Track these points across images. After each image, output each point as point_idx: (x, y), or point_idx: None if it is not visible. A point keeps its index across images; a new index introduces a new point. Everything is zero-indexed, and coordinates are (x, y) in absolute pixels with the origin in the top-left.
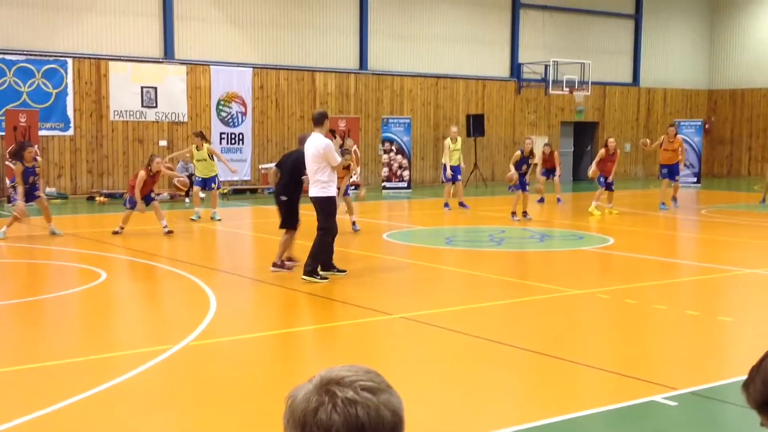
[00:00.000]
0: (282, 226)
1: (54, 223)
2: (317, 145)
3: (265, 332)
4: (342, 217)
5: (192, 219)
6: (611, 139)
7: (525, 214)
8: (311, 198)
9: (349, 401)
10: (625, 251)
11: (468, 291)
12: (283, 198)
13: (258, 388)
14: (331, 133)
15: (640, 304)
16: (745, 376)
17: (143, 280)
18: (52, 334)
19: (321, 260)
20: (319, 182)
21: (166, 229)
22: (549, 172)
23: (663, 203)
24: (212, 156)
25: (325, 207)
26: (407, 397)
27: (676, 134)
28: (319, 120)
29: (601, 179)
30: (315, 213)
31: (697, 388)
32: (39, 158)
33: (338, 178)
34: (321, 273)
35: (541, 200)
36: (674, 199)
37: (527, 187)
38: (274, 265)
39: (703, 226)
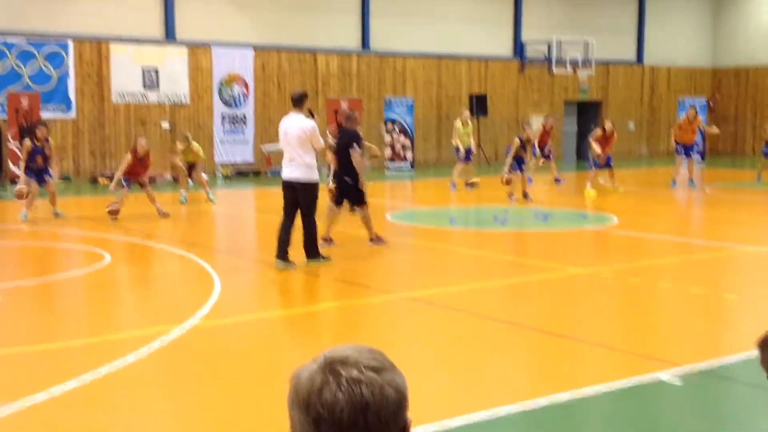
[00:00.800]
0: (356, 204)
1: (58, 205)
2: (303, 127)
3: (269, 313)
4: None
5: (181, 202)
6: (608, 122)
7: (525, 195)
8: (295, 182)
9: (353, 380)
10: (629, 230)
11: (472, 271)
12: (349, 180)
13: (262, 368)
14: (310, 113)
15: (645, 282)
16: (748, 353)
17: (147, 261)
18: (57, 316)
19: (284, 246)
20: (305, 165)
21: (161, 212)
22: (543, 149)
23: (675, 180)
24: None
25: (314, 194)
26: (411, 376)
27: (696, 115)
28: (299, 101)
29: (596, 161)
30: (289, 197)
31: (702, 366)
32: (50, 140)
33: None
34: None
35: (558, 180)
36: (691, 180)
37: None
38: (371, 240)
39: (708, 203)
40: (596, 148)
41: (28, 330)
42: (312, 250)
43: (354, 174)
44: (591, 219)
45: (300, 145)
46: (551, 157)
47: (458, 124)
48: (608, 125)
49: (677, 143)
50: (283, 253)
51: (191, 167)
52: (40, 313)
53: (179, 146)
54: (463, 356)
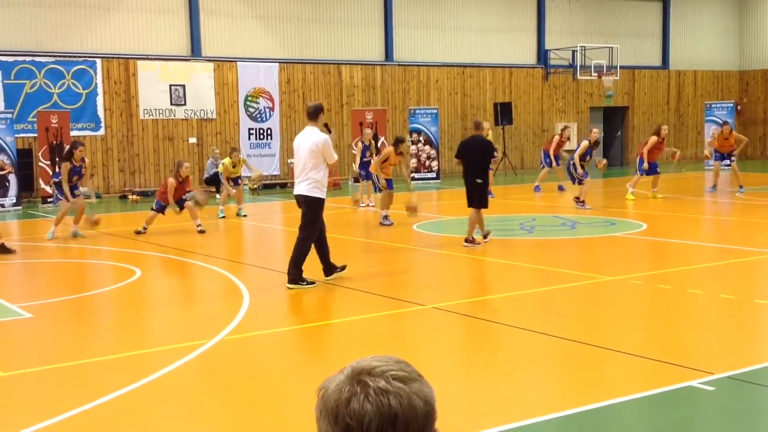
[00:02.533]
0: (471, 206)
1: (81, 224)
2: (315, 141)
3: (297, 325)
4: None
5: (223, 216)
6: (664, 126)
7: (582, 202)
8: (301, 196)
9: (381, 391)
10: (658, 236)
11: (500, 280)
12: (479, 181)
13: (291, 380)
14: (326, 128)
15: (675, 289)
16: None
17: (176, 276)
18: (90, 332)
19: (326, 261)
20: (312, 180)
21: (200, 228)
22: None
23: (714, 186)
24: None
25: (315, 208)
26: (440, 387)
27: (731, 132)
28: (314, 114)
29: (643, 166)
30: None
31: (734, 373)
32: (86, 159)
33: (384, 169)
34: (306, 278)
35: (561, 188)
36: (714, 186)
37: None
38: (467, 241)
39: (737, 208)
40: (645, 154)
41: (61, 346)
42: (295, 273)
43: (486, 176)
44: (619, 226)
45: (310, 159)
46: (559, 164)
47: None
48: (664, 130)
49: (716, 151)
50: (329, 270)
51: (235, 181)
52: (72, 330)
53: (227, 160)
54: (491, 366)
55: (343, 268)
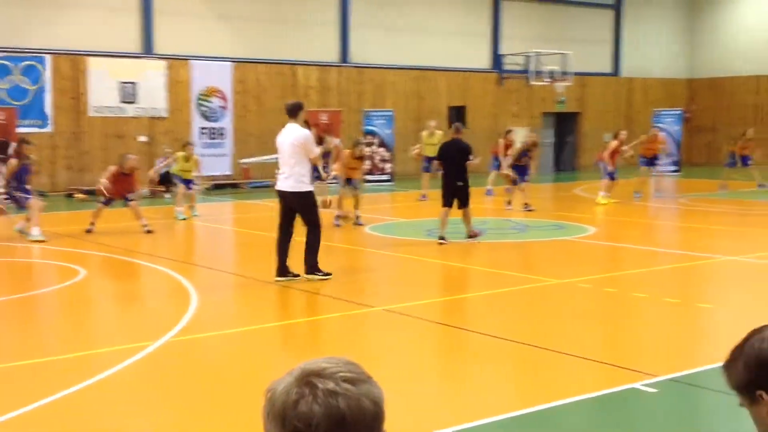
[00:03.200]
0: (446, 205)
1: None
2: (296, 136)
3: (246, 327)
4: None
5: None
6: (623, 132)
7: (525, 206)
8: (286, 192)
9: (329, 392)
10: (605, 240)
11: (450, 282)
12: (460, 183)
13: (238, 382)
14: (306, 124)
15: (621, 292)
16: (723, 362)
17: (123, 276)
18: (31, 333)
19: (283, 263)
20: (298, 175)
21: (146, 228)
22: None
23: (637, 192)
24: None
25: (307, 201)
26: (389, 389)
27: (657, 135)
28: (293, 111)
29: (608, 170)
30: (283, 207)
31: (677, 375)
32: (32, 157)
33: (351, 169)
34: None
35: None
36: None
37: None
38: (469, 236)
39: (682, 214)
40: (608, 159)
41: (3, 347)
42: (312, 265)
43: (466, 178)
44: (568, 230)
45: (293, 155)
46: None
47: (424, 134)
48: (623, 135)
49: (642, 156)
50: (282, 271)
51: (188, 182)
52: (14, 330)
53: (179, 154)
54: (440, 368)
55: (296, 275)
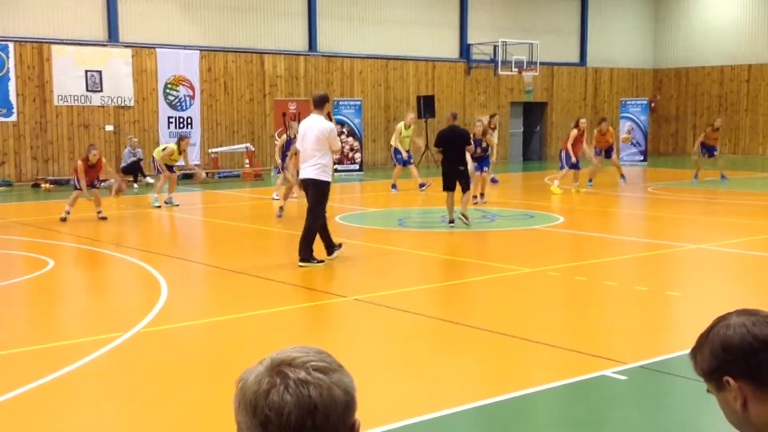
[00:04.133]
0: (448, 189)
1: None
2: (322, 129)
3: (216, 317)
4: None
5: (158, 206)
6: (583, 120)
7: (481, 196)
8: (308, 180)
9: (301, 382)
10: (574, 229)
11: (421, 272)
12: (462, 168)
13: (209, 373)
14: (328, 116)
15: (590, 280)
16: (691, 349)
17: (92, 267)
18: (0, 324)
19: (311, 245)
20: (320, 165)
21: (101, 215)
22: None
23: (591, 180)
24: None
25: (323, 191)
26: (361, 378)
27: (608, 128)
28: (320, 102)
29: (570, 161)
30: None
31: (646, 362)
32: None
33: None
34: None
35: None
36: (622, 176)
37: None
38: (451, 222)
39: (650, 203)
40: (571, 150)
41: None
42: (306, 252)
43: (466, 163)
44: (537, 219)
45: (316, 146)
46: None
47: (401, 126)
48: (583, 123)
49: (596, 148)
50: (330, 248)
51: (170, 168)
52: None
53: (172, 146)
54: (411, 357)
55: (340, 245)
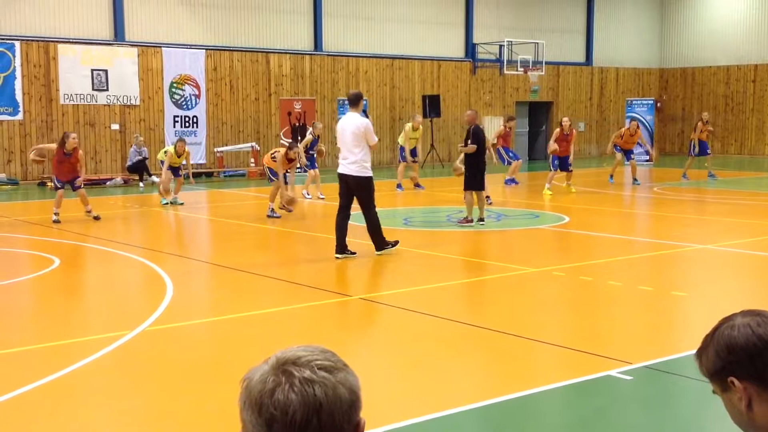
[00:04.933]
0: (471, 188)
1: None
2: (358, 125)
3: (221, 316)
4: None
5: (166, 203)
6: (565, 119)
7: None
8: (348, 176)
9: (306, 380)
10: (580, 229)
11: (426, 271)
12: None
13: (215, 371)
14: (365, 113)
15: (596, 280)
16: (696, 350)
17: (97, 265)
18: (5, 323)
19: (341, 241)
20: (360, 161)
21: (92, 215)
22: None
23: (612, 176)
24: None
25: (367, 186)
26: (366, 377)
27: (637, 128)
28: (355, 100)
29: (555, 161)
30: (344, 189)
31: (652, 362)
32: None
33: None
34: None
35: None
36: (635, 179)
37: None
38: (467, 221)
39: (656, 203)
40: (553, 145)
41: None
42: (378, 241)
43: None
44: (543, 218)
45: (356, 143)
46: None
47: (409, 127)
48: (565, 122)
49: (616, 146)
50: (341, 248)
51: (175, 172)
52: None
53: (171, 149)
54: (416, 357)
55: (353, 253)
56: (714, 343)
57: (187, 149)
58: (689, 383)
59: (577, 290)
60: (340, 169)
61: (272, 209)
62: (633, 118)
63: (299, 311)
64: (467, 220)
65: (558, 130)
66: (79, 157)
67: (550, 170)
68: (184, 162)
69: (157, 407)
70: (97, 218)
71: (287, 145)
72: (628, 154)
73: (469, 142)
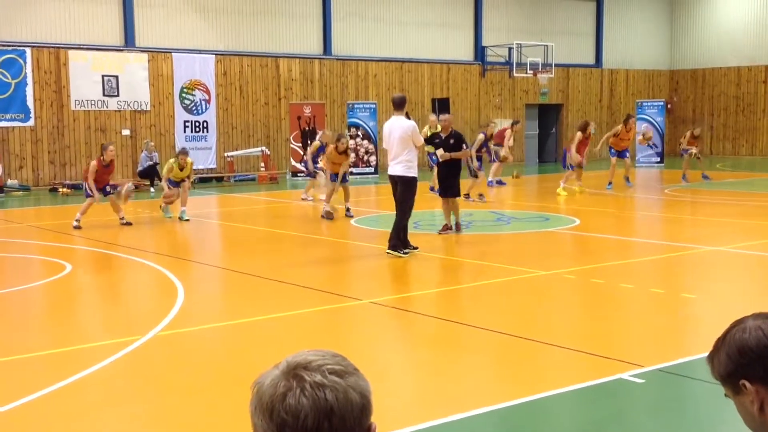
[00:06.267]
0: (458, 194)
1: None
2: (404, 127)
3: (233, 321)
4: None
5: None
6: (592, 124)
7: (481, 196)
8: (397, 176)
9: (317, 385)
10: (590, 231)
11: (436, 274)
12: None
13: (226, 376)
14: (407, 115)
15: (607, 283)
16: (707, 351)
17: (109, 271)
18: (18, 328)
19: (403, 237)
20: (406, 161)
21: (123, 221)
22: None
23: (611, 182)
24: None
25: (411, 186)
26: (377, 381)
27: (633, 126)
28: (400, 104)
29: (568, 161)
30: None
31: (664, 365)
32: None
33: (335, 164)
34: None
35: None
36: (627, 178)
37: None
38: (446, 228)
39: (666, 205)
40: (575, 154)
41: None
42: (394, 241)
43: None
44: (553, 221)
45: (403, 145)
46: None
47: (426, 129)
48: (591, 128)
49: (611, 148)
50: (403, 243)
51: (177, 184)
52: (0, 325)
53: (173, 161)
54: (427, 360)
55: (415, 248)
56: (725, 346)
57: (190, 160)
58: (701, 386)
59: (588, 293)
60: (390, 171)
61: (327, 211)
62: (630, 115)
63: (310, 315)
64: (447, 228)
65: (580, 134)
66: (115, 167)
67: (568, 169)
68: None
69: (169, 412)
70: (127, 224)
71: (332, 137)
72: (622, 153)
73: (464, 146)
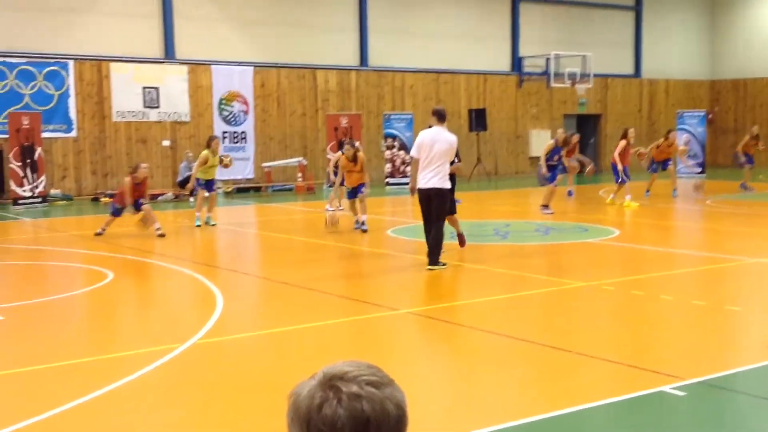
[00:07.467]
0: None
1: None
2: (450, 141)
3: (271, 329)
4: (347, 214)
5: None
6: (631, 130)
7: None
8: (432, 189)
9: (353, 396)
10: (630, 242)
11: (473, 285)
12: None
13: (264, 385)
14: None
15: (647, 295)
16: (752, 365)
17: (150, 279)
18: (61, 335)
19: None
20: (443, 174)
21: (159, 232)
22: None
23: (648, 190)
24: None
25: (446, 197)
26: (413, 392)
27: (675, 140)
28: (443, 116)
29: (620, 172)
30: (425, 203)
31: (705, 378)
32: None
33: (350, 173)
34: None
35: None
36: (675, 190)
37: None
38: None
39: (708, 216)
40: (618, 161)
41: (33, 349)
42: (434, 257)
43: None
44: (592, 232)
45: (443, 156)
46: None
47: None
48: (631, 133)
49: (652, 160)
50: (434, 258)
51: (209, 187)
52: (44, 332)
53: (205, 152)
54: (464, 371)
55: (444, 264)
56: None
57: (227, 156)
58: (744, 399)
59: (627, 304)
60: (423, 184)
61: (328, 217)
62: (671, 130)
63: (347, 325)
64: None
65: (624, 142)
66: (147, 184)
67: (620, 180)
68: (219, 176)
69: (207, 420)
70: (162, 235)
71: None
72: (664, 164)
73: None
